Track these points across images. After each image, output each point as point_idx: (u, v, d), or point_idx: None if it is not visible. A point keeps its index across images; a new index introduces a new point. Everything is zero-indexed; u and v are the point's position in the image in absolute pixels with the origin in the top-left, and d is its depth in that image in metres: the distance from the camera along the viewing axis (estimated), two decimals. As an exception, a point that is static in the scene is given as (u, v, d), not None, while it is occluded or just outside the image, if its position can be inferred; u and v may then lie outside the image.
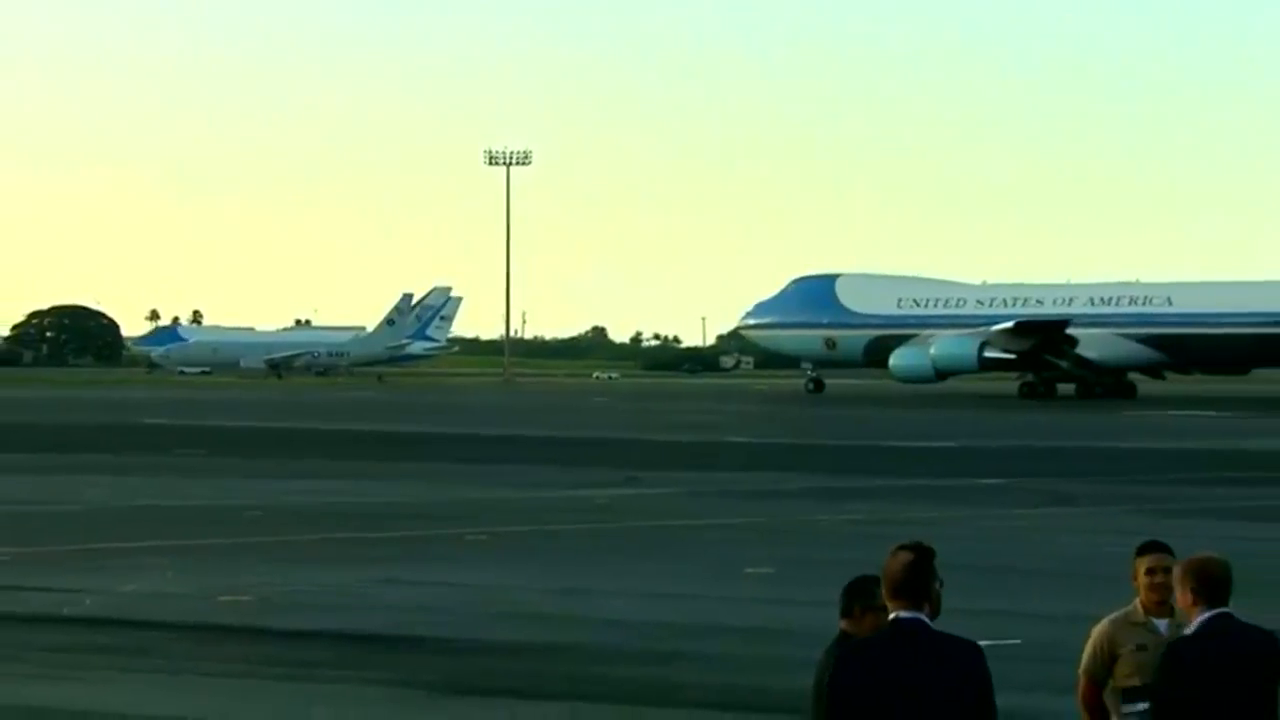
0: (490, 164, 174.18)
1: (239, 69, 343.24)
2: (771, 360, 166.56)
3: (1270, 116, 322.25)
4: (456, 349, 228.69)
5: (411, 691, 19.84)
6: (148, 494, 44.99)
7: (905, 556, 9.19)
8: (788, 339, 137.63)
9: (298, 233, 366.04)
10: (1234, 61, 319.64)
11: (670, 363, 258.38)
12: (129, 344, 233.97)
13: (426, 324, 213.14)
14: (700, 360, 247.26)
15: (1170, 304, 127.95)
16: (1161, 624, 10.99)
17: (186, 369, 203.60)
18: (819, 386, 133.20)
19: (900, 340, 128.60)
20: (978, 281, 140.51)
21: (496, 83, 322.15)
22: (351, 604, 26.27)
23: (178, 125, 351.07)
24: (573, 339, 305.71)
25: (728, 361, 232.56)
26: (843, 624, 9.84)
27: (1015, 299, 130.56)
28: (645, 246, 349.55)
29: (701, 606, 26.39)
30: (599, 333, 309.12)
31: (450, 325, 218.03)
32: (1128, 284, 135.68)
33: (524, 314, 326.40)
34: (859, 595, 9.85)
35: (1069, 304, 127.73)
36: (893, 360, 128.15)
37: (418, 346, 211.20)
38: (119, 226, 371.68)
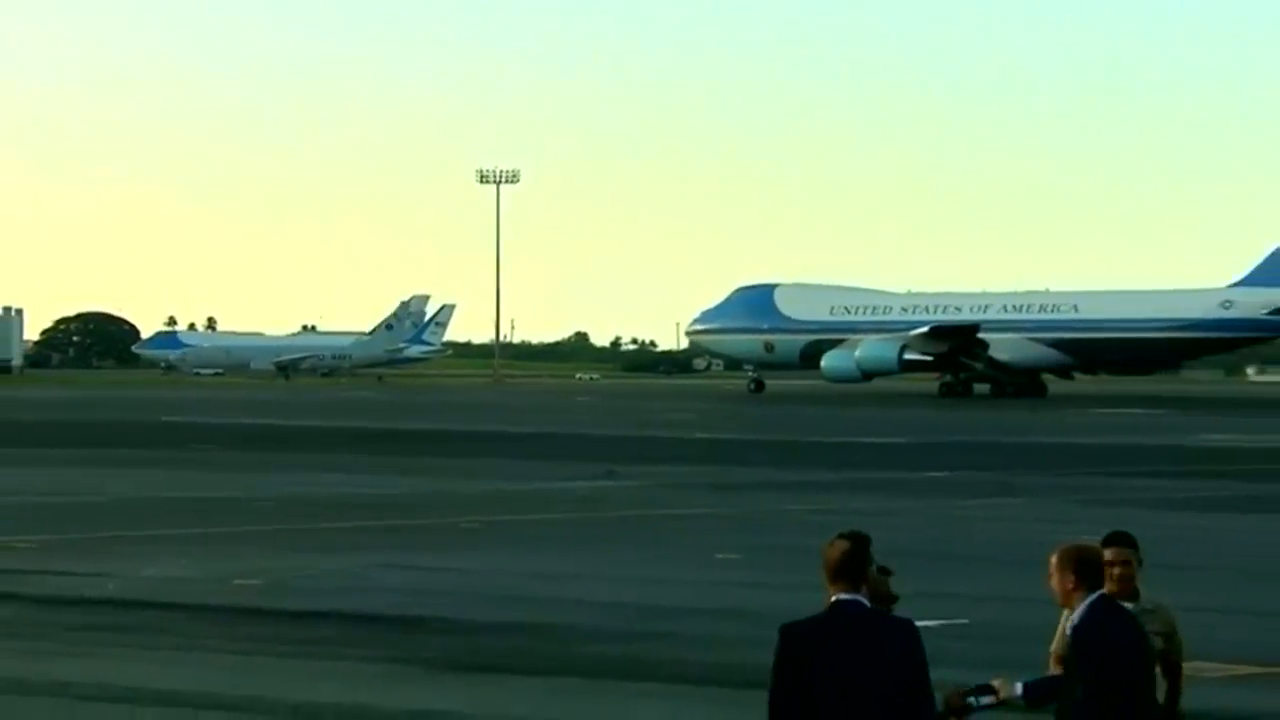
0: (482, 182, 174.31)
1: (254, 98, 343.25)
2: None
3: (1172, 137, 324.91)
4: (450, 352, 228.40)
5: (410, 668, 19.80)
6: (165, 486, 44.91)
7: (843, 545, 9.23)
8: (731, 343, 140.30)
9: (304, 245, 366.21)
10: (1138, 83, 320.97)
11: (647, 365, 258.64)
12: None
13: (423, 329, 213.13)
14: (674, 362, 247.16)
15: (1077, 311, 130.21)
16: (1128, 608, 10.52)
17: (201, 370, 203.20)
18: (760, 386, 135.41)
19: (832, 344, 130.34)
20: (903, 290, 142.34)
21: (488, 109, 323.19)
22: (354, 587, 26.24)
23: (195, 147, 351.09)
24: (557, 343, 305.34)
25: (699, 363, 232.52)
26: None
27: (935, 306, 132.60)
28: (624, 258, 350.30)
29: (675, 589, 26.35)
30: (581, 337, 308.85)
31: (445, 330, 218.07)
32: (1038, 292, 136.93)
33: (513, 320, 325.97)
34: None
35: (984, 310, 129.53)
36: (823, 362, 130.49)
37: (415, 350, 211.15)
38: (140, 240, 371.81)
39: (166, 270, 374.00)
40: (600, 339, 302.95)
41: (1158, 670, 10.28)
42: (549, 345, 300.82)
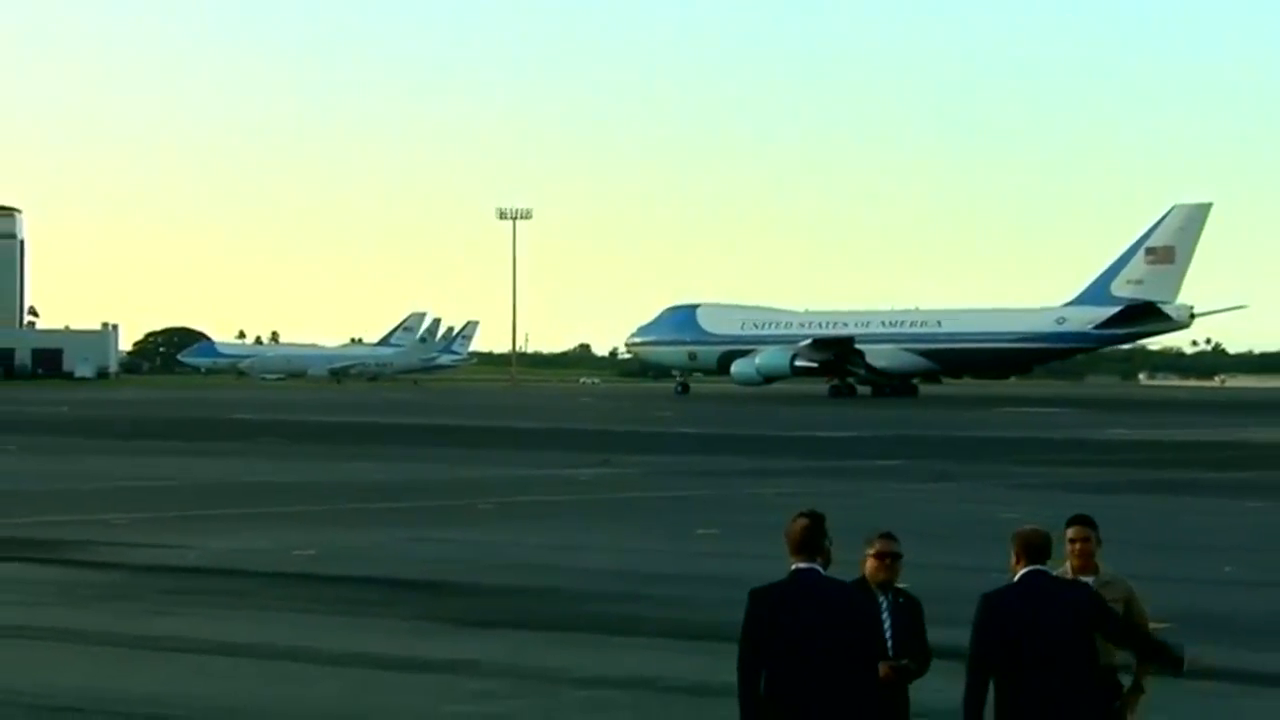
0: (500, 218, 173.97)
1: (314, 153, 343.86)
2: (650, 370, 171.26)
3: (1022, 181, 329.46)
4: (475, 361, 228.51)
5: (436, 624, 19.71)
6: (237, 472, 44.79)
7: (803, 521, 9.16)
8: (661, 353, 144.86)
9: (353, 270, 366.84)
10: (993, 119, 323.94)
11: (640, 371, 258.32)
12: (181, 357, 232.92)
13: (452, 341, 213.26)
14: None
15: (941, 326, 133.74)
16: (1088, 581, 10.19)
17: (266, 376, 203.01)
18: (685, 389, 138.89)
19: (743, 354, 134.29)
20: (801, 309, 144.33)
21: (507, 159, 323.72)
22: (390, 557, 26.14)
23: (262, 191, 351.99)
24: (564, 353, 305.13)
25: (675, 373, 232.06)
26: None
27: (825, 322, 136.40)
28: (619, 281, 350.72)
29: (661, 559, 26.28)
30: (585, 348, 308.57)
31: (470, 343, 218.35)
32: (910, 310, 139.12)
33: (527, 334, 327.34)
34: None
35: (866, 325, 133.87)
36: (732, 369, 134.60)
37: (445, 359, 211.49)
38: (216, 266, 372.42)
39: (238, 290, 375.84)
40: (600, 349, 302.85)
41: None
42: (557, 354, 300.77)
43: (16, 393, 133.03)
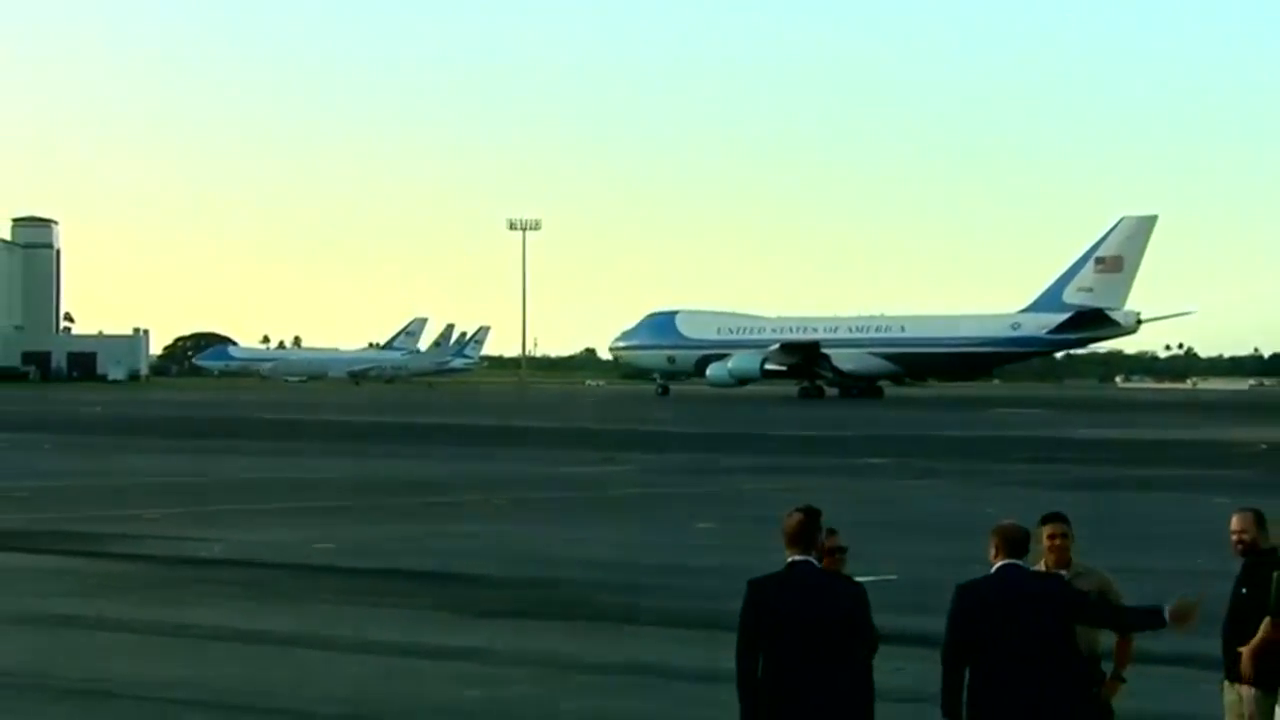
0: (511, 229, 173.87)
1: (334, 168, 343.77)
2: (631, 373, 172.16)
3: (980, 196, 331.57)
4: (486, 364, 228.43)
5: (451, 614, 19.72)
6: (262, 469, 44.84)
7: (799, 516, 9.17)
8: (643, 357, 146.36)
9: (372, 278, 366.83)
10: (954, 140, 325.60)
11: (640, 374, 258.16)
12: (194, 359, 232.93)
13: (464, 346, 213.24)
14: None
15: (904, 331, 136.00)
16: (1063, 574, 10.02)
17: (290, 378, 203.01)
18: (665, 391, 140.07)
19: (719, 358, 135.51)
20: (774, 315, 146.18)
21: (516, 173, 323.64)
22: (409, 549, 26.15)
23: (287, 203, 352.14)
24: (571, 356, 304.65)
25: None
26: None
27: (796, 327, 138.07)
28: (623, 289, 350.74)
29: (663, 551, 26.28)
30: (590, 352, 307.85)
31: (482, 347, 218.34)
32: (875, 316, 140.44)
33: (535, 338, 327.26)
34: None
35: (834, 331, 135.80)
36: (707, 372, 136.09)
37: (458, 362, 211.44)
38: (242, 274, 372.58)
39: (262, 297, 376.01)
40: (605, 353, 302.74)
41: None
42: (564, 358, 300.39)
43: (53, 394, 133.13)
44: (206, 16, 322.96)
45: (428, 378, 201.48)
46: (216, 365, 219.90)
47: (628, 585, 22.18)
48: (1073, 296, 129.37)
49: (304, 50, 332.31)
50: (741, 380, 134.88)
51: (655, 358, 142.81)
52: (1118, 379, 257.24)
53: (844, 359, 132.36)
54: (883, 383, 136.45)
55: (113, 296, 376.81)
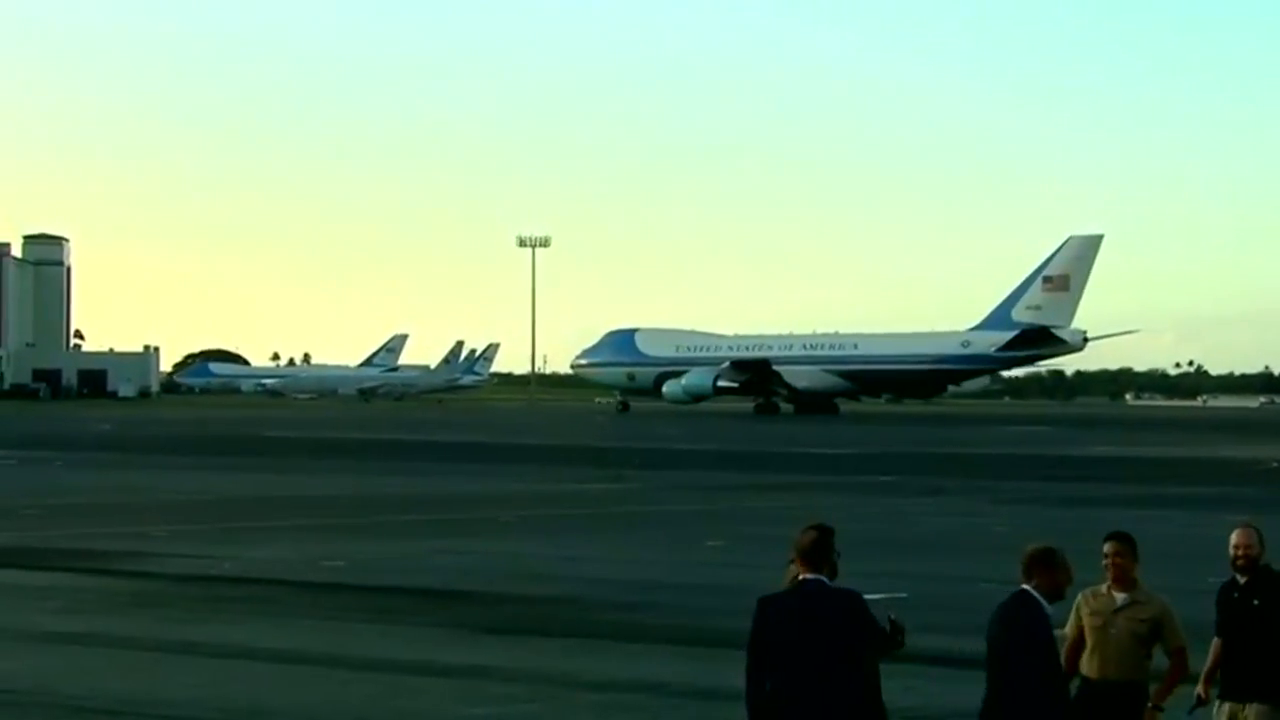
0: (520, 246, 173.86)
1: (344, 189, 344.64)
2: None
3: (930, 216, 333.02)
4: (496, 381, 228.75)
5: (458, 631, 19.67)
6: (269, 487, 44.80)
7: (811, 534, 9.13)
8: (603, 374, 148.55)
9: (379, 296, 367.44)
10: (890, 150, 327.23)
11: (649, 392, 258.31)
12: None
13: (474, 363, 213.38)
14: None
15: (857, 348, 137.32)
16: (1120, 596, 10.03)
17: (299, 395, 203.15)
18: (625, 407, 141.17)
19: (676, 375, 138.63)
20: (731, 333, 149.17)
21: (526, 189, 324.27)
22: (415, 567, 26.09)
23: (297, 220, 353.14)
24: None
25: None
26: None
27: (752, 345, 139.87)
28: (631, 306, 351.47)
29: (673, 569, 26.20)
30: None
31: (491, 364, 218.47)
32: (829, 335, 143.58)
33: (545, 355, 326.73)
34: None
35: (790, 349, 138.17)
36: (663, 389, 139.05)
37: (467, 379, 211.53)
38: (251, 292, 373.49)
39: (272, 315, 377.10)
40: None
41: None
42: (573, 375, 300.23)
43: (63, 411, 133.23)
44: (220, 36, 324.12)
45: (437, 395, 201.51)
46: (197, 383, 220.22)
47: (635, 603, 22.10)
48: (1021, 315, 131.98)
49: (315, 69, 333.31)
50: (696, 397, 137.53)
51: (615, 375, 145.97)
52: (1128, 396, 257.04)
53: (798, 376, 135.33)
54: (837, 400, 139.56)
55: (123, 314, 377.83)
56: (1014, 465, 58.06)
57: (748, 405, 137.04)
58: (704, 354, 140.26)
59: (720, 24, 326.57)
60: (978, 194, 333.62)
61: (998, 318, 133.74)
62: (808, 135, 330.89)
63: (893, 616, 9.10)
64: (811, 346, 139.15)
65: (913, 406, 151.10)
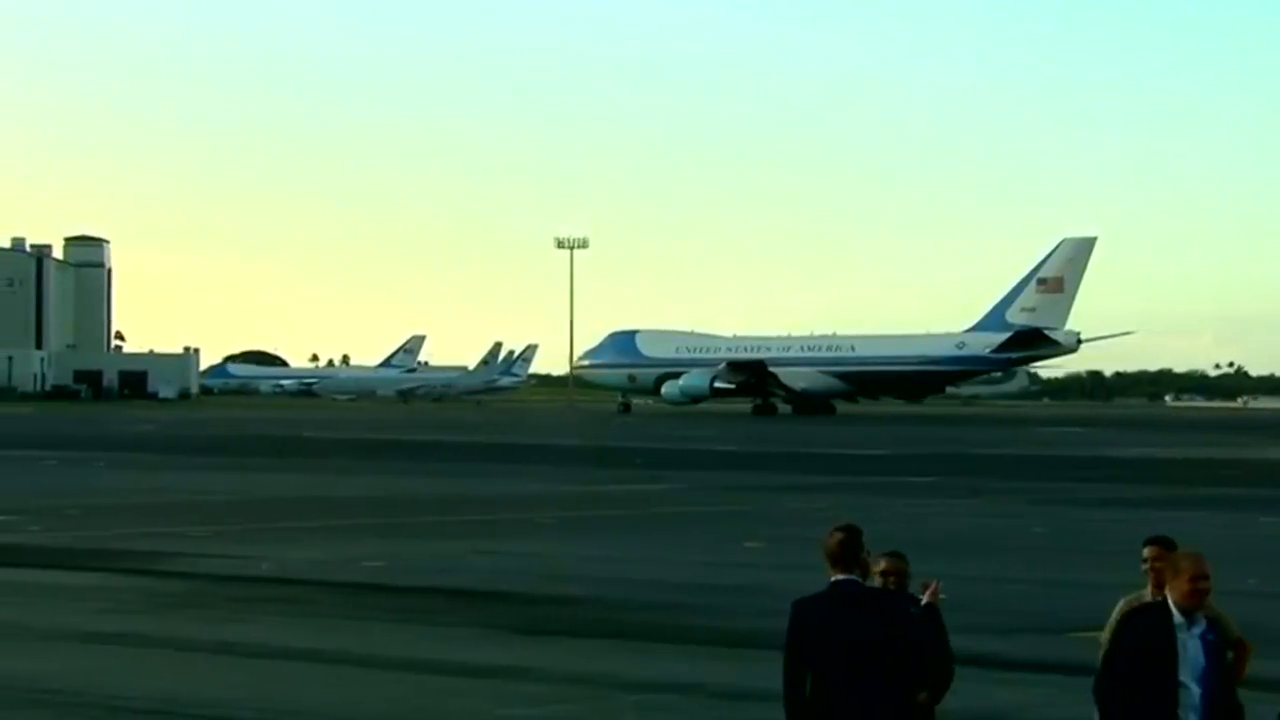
0: (559, 248, 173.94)
1: (380, 183, 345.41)
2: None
3: (926, 222, 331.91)
4: (534, 382, 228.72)
5: (495, 632, 19.67)
6: (308, 487, 44.90)
7: (839, 535, 9.08)
8: (605, 375, 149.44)
9: (419, 297, 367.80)
10: (885, 151, 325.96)
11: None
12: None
13: (513, 364, 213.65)
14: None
15: (854, 350, 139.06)
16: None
17: (338, 396, 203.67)
18: (627, 408, 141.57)
19: (676, 376, 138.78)
20: (730, 334, 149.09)
21: (565, 190, 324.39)
22: (453, 567, 26.12)
23: (336, 226, 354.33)
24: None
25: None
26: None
27: (751, 346, 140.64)
28: (668, 307, 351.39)
29: (710, 570, 26.17)
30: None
31: (530, 365, 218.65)
32: (827, 336, 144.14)
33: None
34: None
35: (787, 350, 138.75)
36: (662, 390, 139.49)
37: (506, 380, 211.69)
38: (291, 293, 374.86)
39: (311, 317, 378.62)
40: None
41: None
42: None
43: (104, 412, 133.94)
44: (258, 40, 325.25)
45: (476, 396, 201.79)
46: (215, 384, 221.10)
47: (672, 604, 22.08)
48: (1016, 316, 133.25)
49: (354, 72, 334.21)
50: (694, 398, 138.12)
51: (617, 376, 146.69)
52: (1167, 398, 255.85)
53: (796, 377, 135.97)
54: (835, 401, 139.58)
55: (163, 315, 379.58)
56: (1050, 466, 57.80)
57: (745, 406, 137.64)
58: (703, 355, 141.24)
59: (719, 25, 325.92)
60: (974, 198, 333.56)
61: (993, 319, 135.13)
62: (807, 135, 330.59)
63: (924, 598, 9.11)
64: (809, 348, 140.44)
65: (931, 407, 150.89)
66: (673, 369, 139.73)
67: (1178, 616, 8.74)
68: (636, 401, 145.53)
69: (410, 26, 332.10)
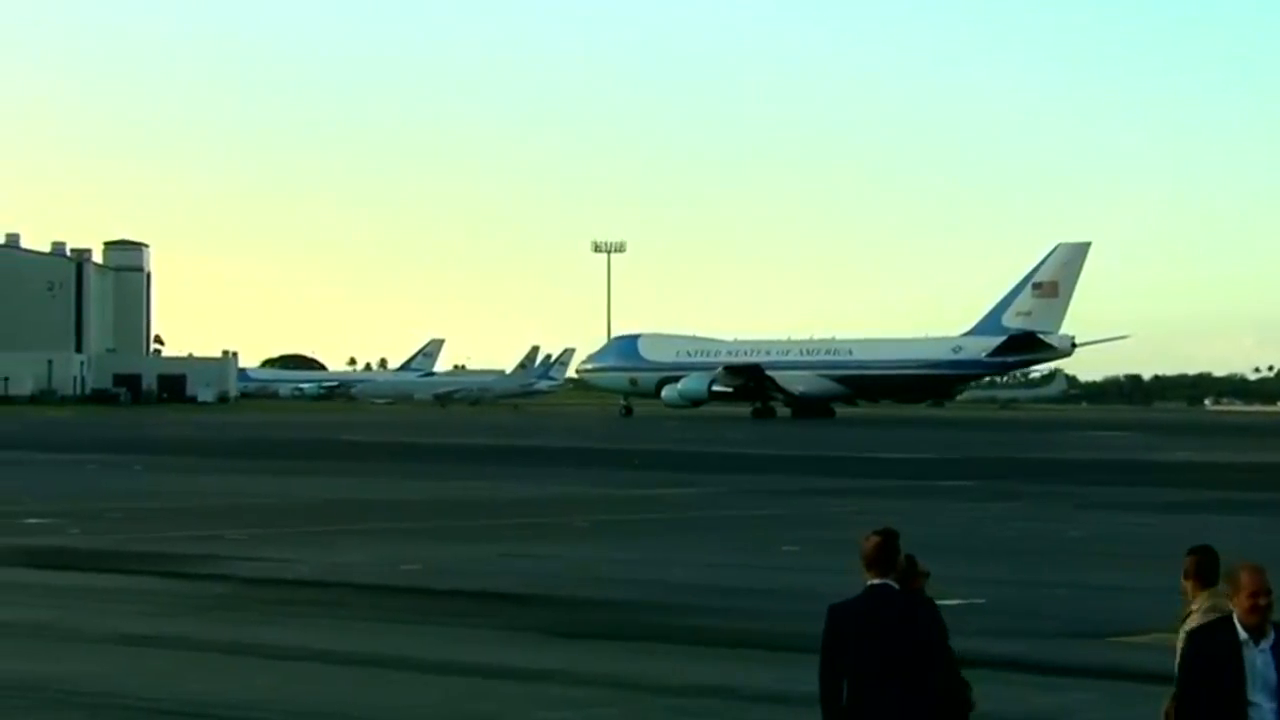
0: (596, 252, 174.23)
1: (417, 188, 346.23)
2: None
3: (923, 223, 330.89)
4: (571, 386, 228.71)
5: (533, 634, 19.62)
6: (346, 490, 44.96)
7: (875, 539, 9.02)
8: (608, 378, 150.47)
9: (457, 301, 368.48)
10: (888, 155, 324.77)
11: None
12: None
13: (549, 368, 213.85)
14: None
15: (852, 354, 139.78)
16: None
17: (376, 400, 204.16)
18: (629, 411, 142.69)
19: (677, 379, 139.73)
20: (730, 338, 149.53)
21: (602, 196, 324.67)
22: (490, 571, 26.08)
23: (374, 226, 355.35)
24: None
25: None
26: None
27: (751, 350, 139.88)
28: (706, 311, 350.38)
29: (749, 573, 26.08)
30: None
31: (567, 369, 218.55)
32: (825, 340, 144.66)
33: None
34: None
35: (786, 354, 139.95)
36: (662, 393, 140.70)
37: (543, 384, 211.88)
38: (329, 298, 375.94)
39: (348, 320, 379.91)
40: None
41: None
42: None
43: (143, 416, 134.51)
44: (293, 46, 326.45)
45: (513, 400, 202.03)
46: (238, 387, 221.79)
47: (709, 607, 22.00)
48: (1012, 320, 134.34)
49: (391, 78, 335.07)
50: (693, 401, 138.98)
51: (619, 380, 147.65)
52: (1207, 402, 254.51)
53: (795, 380, 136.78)
54: (834, 404, 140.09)
55: (202, 319, 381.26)
56: (1089, 470, 57.50)
57: (745, 409, 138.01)
58: (703, 359, 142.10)
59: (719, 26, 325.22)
60: (971, 202, 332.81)
61: (989, 323, 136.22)
62: (807, 137, 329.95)
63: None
64: (808, 352, 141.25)
65: (956, 410, 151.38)
66: (673, 372, 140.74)
67: (1243, 633, 8.40)
68: (638, 404, 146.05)
69: (449, 31, 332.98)
